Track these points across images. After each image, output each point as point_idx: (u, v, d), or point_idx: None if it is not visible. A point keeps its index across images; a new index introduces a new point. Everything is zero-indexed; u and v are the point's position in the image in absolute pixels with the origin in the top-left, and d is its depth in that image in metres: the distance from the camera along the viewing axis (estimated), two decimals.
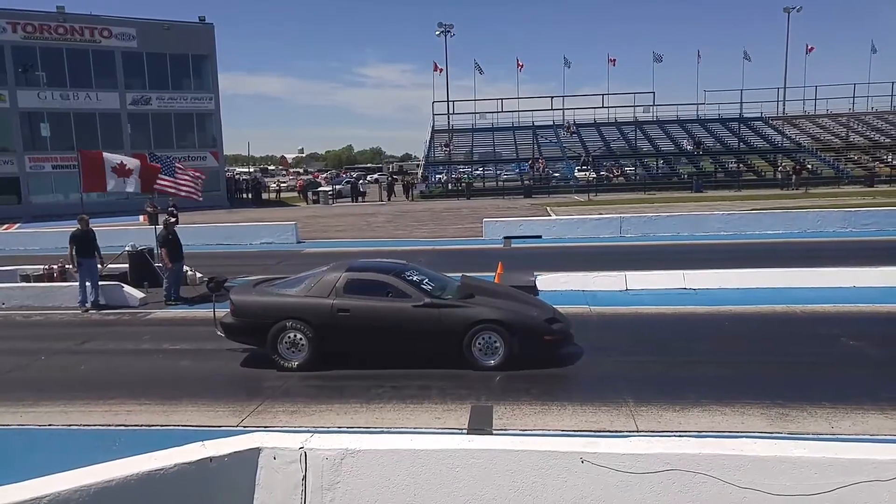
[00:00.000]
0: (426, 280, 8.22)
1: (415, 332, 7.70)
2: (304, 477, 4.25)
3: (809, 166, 40.10)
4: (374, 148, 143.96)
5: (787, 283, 11.32)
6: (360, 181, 49.97)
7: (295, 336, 7.76)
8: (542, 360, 7.84)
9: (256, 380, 7.73)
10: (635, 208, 25.53)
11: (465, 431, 5.97)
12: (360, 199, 39.94)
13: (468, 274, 10.01)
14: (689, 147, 46.73)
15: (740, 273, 11.89)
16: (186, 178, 14.64)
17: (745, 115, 50.31)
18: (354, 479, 4.17)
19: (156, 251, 13.09)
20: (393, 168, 67.53)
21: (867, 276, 11.45)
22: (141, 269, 13.54)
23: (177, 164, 14.84)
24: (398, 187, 42.90)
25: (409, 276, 8.17)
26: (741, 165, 43.10)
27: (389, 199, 39.64)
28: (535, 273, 12.58)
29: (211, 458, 4.15)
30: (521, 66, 57.92)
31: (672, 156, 45.95)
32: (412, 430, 6.01)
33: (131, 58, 40.69)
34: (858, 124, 48.35)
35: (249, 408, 6.78)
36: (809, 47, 54.87)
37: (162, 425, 6.42)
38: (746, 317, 10.05)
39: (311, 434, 4.35)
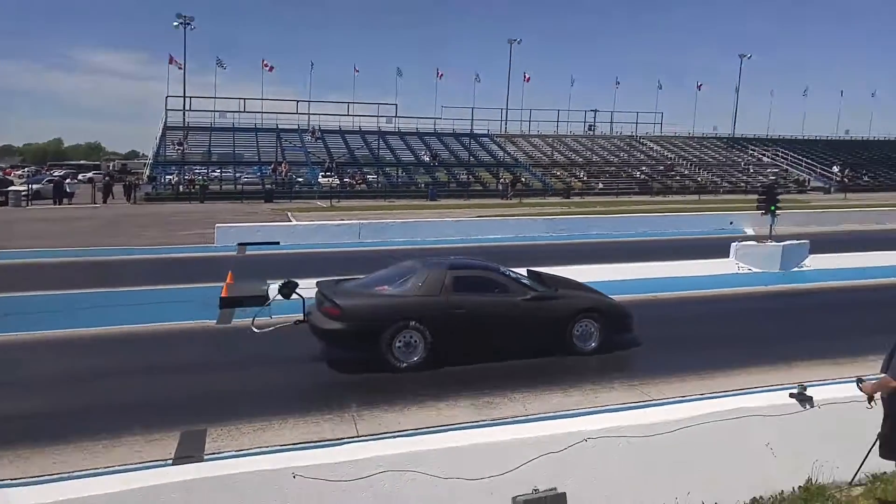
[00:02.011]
0: (519, 275, 8.54)
1: (525, 324, 8.04)
2: None
3: (524, 179, 45.90)
4: (91, 143, 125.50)
5: None
6: (68, 180, 42.88)
7: (411, 337, 7.63)
8: (259, 372, 7.67)
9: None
10: (376, 215, 26.39)
11: (170, 462, 5.39)
12: (65, 200, 34.29)
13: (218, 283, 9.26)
14: (426, 158, 50.00)
15: None
16: None
17: (475, 132, 55.68)
18: None
19: None
20: (114, 166, 59.72)
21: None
22: None
23: None
24: (118, 188, 37.95)
25: (505, 271, 8.51)
26: (470, 177, 47.50)
27: (106, 202, 34.83)
28: (269, 281, 12.15)
29: None
30: (270, 67, 55.94)
31: (411, 166, 48.67)
32: (104, 469, 5.21)
33: None
34: (560, 145, 56.86)
35: None
36: (526, 76, 62.93)
37: None
38: None
39: None
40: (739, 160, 56.10)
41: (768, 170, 53.18)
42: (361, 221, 22.03)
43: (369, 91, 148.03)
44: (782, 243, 15.07)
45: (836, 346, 8.79)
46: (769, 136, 64.89)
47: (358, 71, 61.17)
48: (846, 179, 50.26)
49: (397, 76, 60.81)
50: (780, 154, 57.41)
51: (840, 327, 10.10)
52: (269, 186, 40.11)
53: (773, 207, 15.19)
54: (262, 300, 11.15)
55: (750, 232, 21.12)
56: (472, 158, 50.89)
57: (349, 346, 7.97)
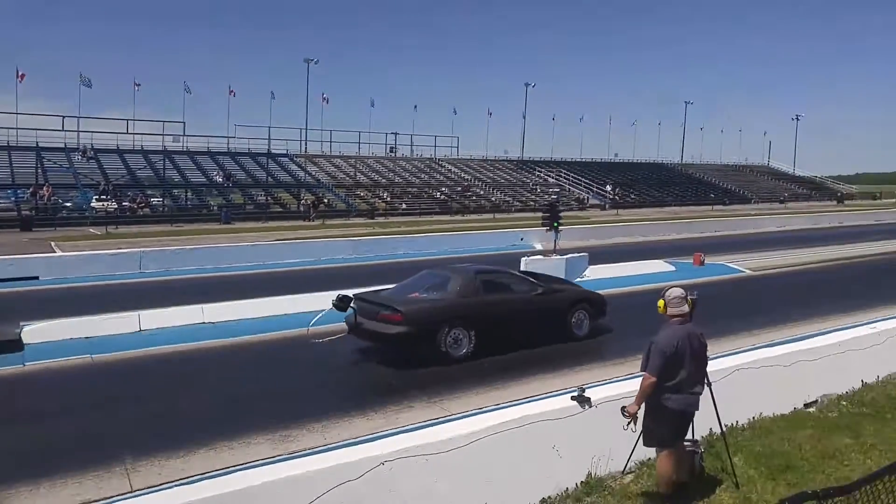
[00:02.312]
0: (524, 275, 10.54)
1: (537, 314, 9.76)
2: None
3: (326, 200, 45.47)
4: None
5: (299, 308, 12.16)
6: None
7: (458, 333, 8.98)
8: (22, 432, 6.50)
9: None
10: (160, 241, 24.16)
11: None
12: None
13: None
14: (219, 179, 47.21)
15: (256, 302, 12.37)
16: None
17: (273, 151, 53.91)
18: None
19: None
20: None
21: None
22: None
23: None
24: None
25: (514, 272, 10.59)
26: (269, 198, 45.83)
27: None
28: (23, 323, 10.48)
29: None
30: (21, 76, 48.55)
31: (202, 187, 45.60)
32: None
33: None
34: (363, 166, 57.47)
35: None
36: (324, 96, 62.61)
37: None
38: (258, 345, 10.45)
39: None
40: (528, 181, 61.43)
41: (553, 189, 58.97)
42: (143, 249, 20.05)
43: (153, 108, 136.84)
44: (565, 256, 16.69)
45: (609, 349, 9.88)
46: (553, 159, 72.08)
47: (139, 85, 56.02)
48: (617, 197, 57.51)
49: (185, 92, 56.82)
50: (562, 175, 63.98)
51: (612, 330, 11.35)
52: (27, 212, 34.81)
53: (555, 224, 16.77)
54: (14, 346, 9.71)
55: (538, 247, 23.08)
56: (270, 179, 49.19)
57: (411, 345, 8.98)
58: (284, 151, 55.12)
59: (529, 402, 6.23)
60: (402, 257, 21.93)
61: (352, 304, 9.13)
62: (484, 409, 6.68)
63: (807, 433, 6.19)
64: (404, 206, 47.72)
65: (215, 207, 41.44)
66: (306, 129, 57.76)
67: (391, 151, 62.62)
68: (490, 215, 45.17)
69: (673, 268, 18.59)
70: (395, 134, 63.81)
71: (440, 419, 6.77)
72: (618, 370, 8.51)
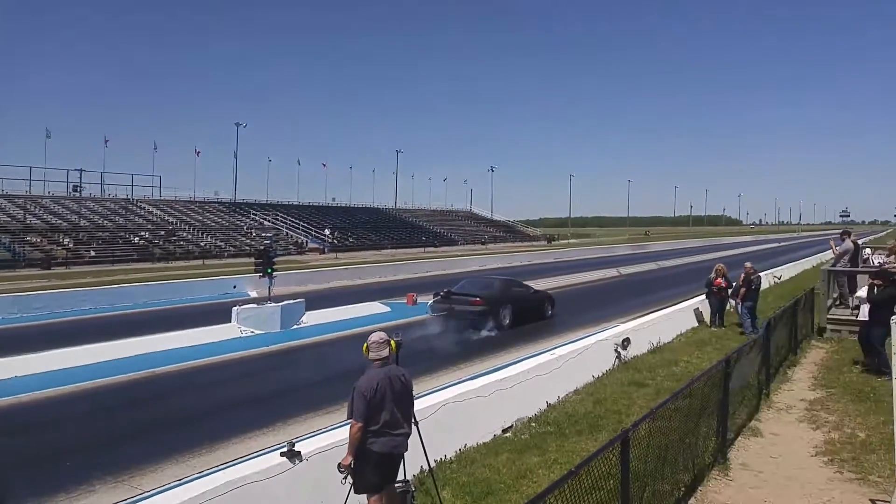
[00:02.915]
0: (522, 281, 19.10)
1: (533, 304, 17.52)
2: None
3: None
4: None
5: None
6: None
7: (506, 311, 16.19)
8: None
9: None
10: None
11: None
12: None
13: None
14: None
15: None
16: None
17: None
18: None
19: None
20: None
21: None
22: None
23: None
24: None
25: (520, 281, 19.07)
26: None
27: None
28: None
29: None
30: None
31: None
32: None
33: None
34: (36, 207, 49.43)
35: None
36: None
37: None
38: None
39: None
40: (242, 224, 59.42)
41: (269, 233, 57.90)
42: None
43: None
44: (281, 303, 16.35)
45: (327, 393, 9.87)
46: (269, 202, 71.04)
47: None
48: (336, 241, 58.84)
49: None
50: (279, 218, 63.36)
51: (333, 375, 11.39)
52: None
53: (269, 269, 16.36)
54: None
55: (254, 294, 22.28)
56: None
57: (485, 318, 15.53)
58: None
59: (238, 463, 5.82)
60: (90, 313, 19.27)
61: (443, 294, 16.61)
62: (185, 479, 6.06)
63: (504, 457, 6.89)
64: (93, 253, 42.16)
65: None
66: None
67: (75, 190, 55.20)
68: (199, 261, 42.42)
69: (388, 309, 19.52)
70: (81, 171, 56.51)
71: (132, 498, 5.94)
72: (330, 418, 8.55)
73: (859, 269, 14.79)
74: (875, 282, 11.01)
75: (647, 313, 15.49)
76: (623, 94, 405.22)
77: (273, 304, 16.15)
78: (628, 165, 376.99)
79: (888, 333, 9.97)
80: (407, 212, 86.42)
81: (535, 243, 77.54)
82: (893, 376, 5.52)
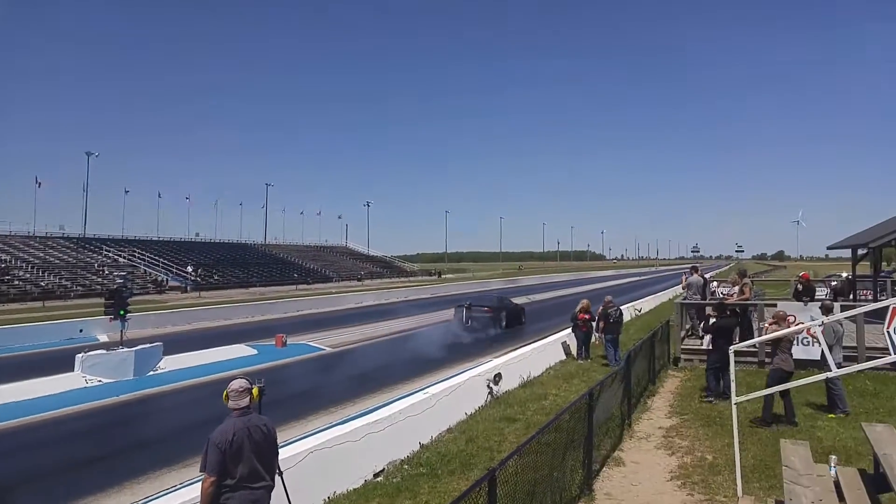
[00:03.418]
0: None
1: (515, 313, 25.92)
2: None
3: None
4: None
5: None
6: None
7: (503, 316, 24.61)
8: None
9: None
10: None
11: None
12: None
13: None
14: None
15: None
16: None
17: None
18: None
19: None
20: None
21: None
22: None
23: None
24: None
25: (508, 297, 28.42)
26: None
27: None
28: None
29: None
30: None
31: None
32: None
33: None
34: None
35: None
36: None
37: None
38: None
39: None
40: (93, 261, 54.95)
41: (124, 271, 53.94)
42: None
43: None
44: (135, 348, 15.19)
45: (185, 446, 9.23)
46: (125, 237, 66.36)
47: None
48: (200, 279, 55.83)
49: None
50: (136, 254, 59.23)
51: (191, 425, 10.70)
52: None
53: (122, 311, 15.20)
54: None
55: (104, 338, 20.58)
56: None
57: (491, 320, 23.97)
58: None
59: None
60: None
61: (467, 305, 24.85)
62: None
63: (375, 503, 6.75)
64: None
65: None
66: None
67: None
68: (39, 303, 38.62)
69: (255, 351, 18.74)
70: None
71: None
72: (188, 473, 8.00)
73: (706, 301, 16.20)
74: (712, 313, 12.10)
75: (518, 347, 15.99)
76: (493, 137, 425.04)
77: (126, 350, 14.97)
78: (501, 203, 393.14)
79: (719, 360, 11.02)
80: (278, 247, 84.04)
81: (412, 279, 78.06)
82: (732, 401, 6.06)
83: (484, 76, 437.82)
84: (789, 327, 10.30)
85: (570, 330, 16.87)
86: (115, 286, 17.20)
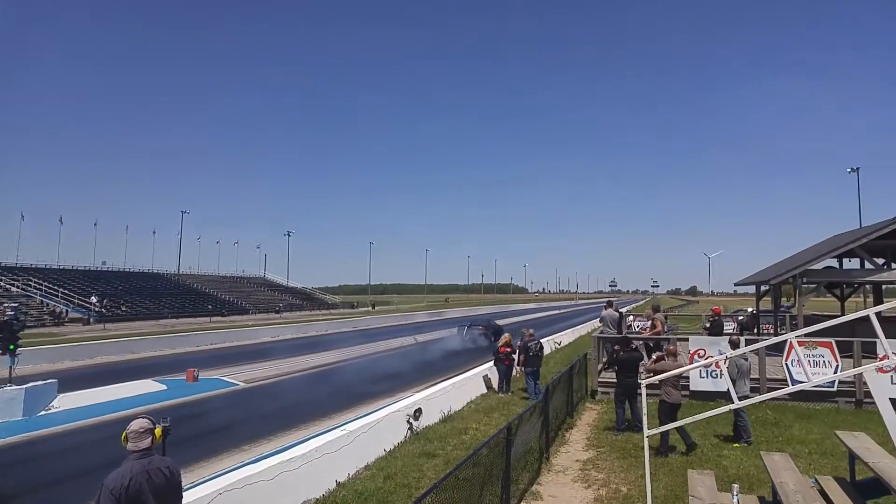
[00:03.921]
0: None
1: (498, 333, 30.49)
2: None
3: None
4: None
5: None
6: None
7: (491, 333, 32.69)
8: None
9: None
10: None
11: None
12: None
13: None
14: None
15: None
16: None
17: None
18: None
19: None
20: None
21: None
22: None
23: None
24: None
25: (494, 321, 38.54)
26: None
27: None
28: None
29: None
30: None
31: None
32: None
33: None
34: None
35: None
36: None
37: None
38: None
39: None
40: None
41: (15, 302, 50.45)
42: None
43: None
44: (24, 386, 14.18)
45: (77, 493, 8.67)
46: (19, 265, 62.22)
47: None
48: (105, 310, 52.93)
49: None
50: (32, 284, 55.60)
51: (87, 470, 10.05)
52: None
53: (11, 346, 14.20)
54: None
55: None
56: None
57: (485, 336, 32.76)
58: None
59: None
60: None
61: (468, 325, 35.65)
62: None
63: None
64: None
65: None
66: None
67: None
68: None
69: (164, 386, 17.90)
70: None
71: None
72: None
73: (620, 336, 16.78)
74: (616, 347, 12.56)
75: (439, 381, 15.98)
76: (417, 170, 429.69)
77: (14, 388, 13.96)
78: (426, 235, 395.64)
79: (624, 393, 11.47)
80: (192, 277, 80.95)
81: (333, 311, 76.83)
82: (644, 433, 6.27)
83: (403, 108, 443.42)
84: (678, 361, 10.98)
85: (491, 363, 17.03)
86: (4, 318, 16.05)
